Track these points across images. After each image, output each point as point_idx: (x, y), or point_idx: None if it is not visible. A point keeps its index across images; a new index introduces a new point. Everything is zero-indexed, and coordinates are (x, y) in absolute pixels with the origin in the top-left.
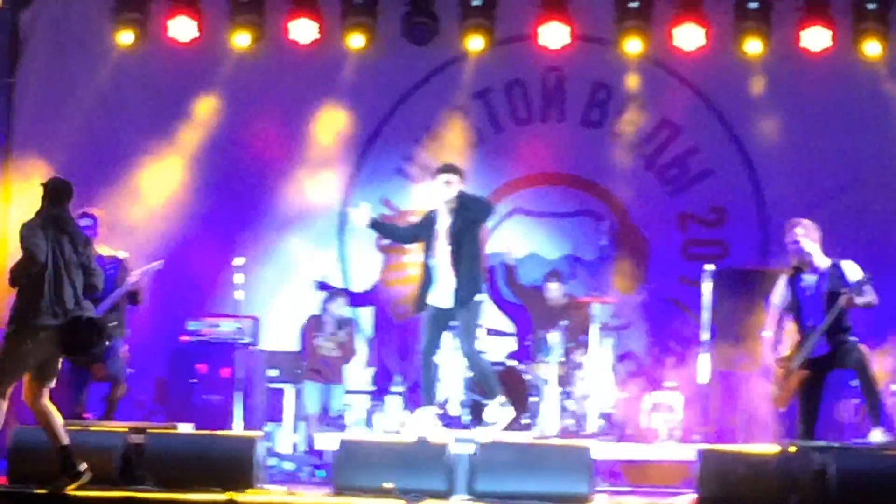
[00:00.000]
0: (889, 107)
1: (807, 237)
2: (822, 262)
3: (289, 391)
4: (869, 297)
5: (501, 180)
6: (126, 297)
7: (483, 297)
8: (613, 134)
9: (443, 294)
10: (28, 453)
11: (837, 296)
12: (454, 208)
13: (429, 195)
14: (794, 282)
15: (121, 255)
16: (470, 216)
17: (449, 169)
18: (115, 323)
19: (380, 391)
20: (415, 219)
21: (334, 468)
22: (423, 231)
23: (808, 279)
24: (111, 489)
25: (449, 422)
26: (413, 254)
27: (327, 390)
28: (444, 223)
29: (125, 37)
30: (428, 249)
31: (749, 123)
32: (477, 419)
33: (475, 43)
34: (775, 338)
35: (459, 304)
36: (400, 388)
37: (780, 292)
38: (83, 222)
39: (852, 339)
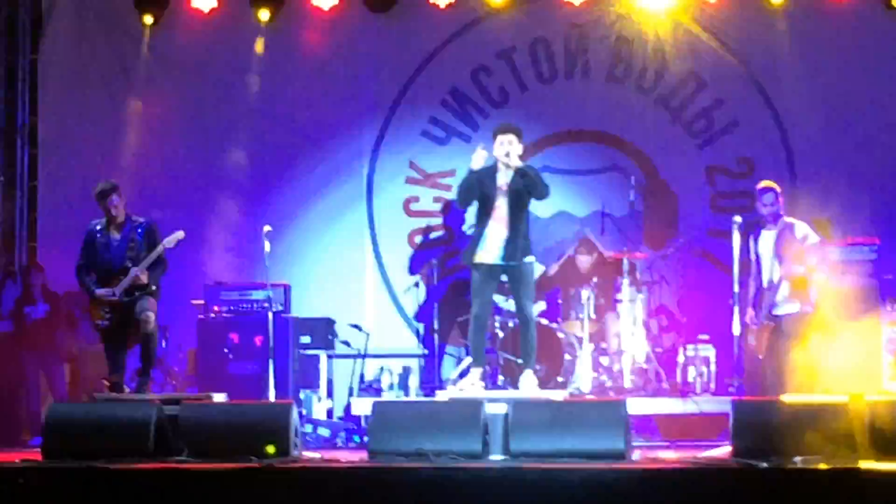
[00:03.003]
0: None
1: (775, 201)
2: (781, 221)
3: (323, 358)
4: (809, 264)
5: (528, 139)
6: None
7: (533, 259)
8: (639, 89)
9: (494, 251)
10: (63, 429)
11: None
12: (516, 170)
13: (489, 151)
14: (754, 238)
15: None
16: (528, 188)
17: (510, 129)
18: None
19: (430, 354)
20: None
21: (368, 432)
22: (483, 187)
23: (767, 235)
24: (146, 461)
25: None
26: (439, 217)
27: None
28: (503, 180)
29: (147, 9)
30: (483, 206)
31: (774, 74)
32: (510, 379)
33: (498, 2)
34: (752, 290)
35: (512, 259)
36: (453, 351)
37: (746, 249)
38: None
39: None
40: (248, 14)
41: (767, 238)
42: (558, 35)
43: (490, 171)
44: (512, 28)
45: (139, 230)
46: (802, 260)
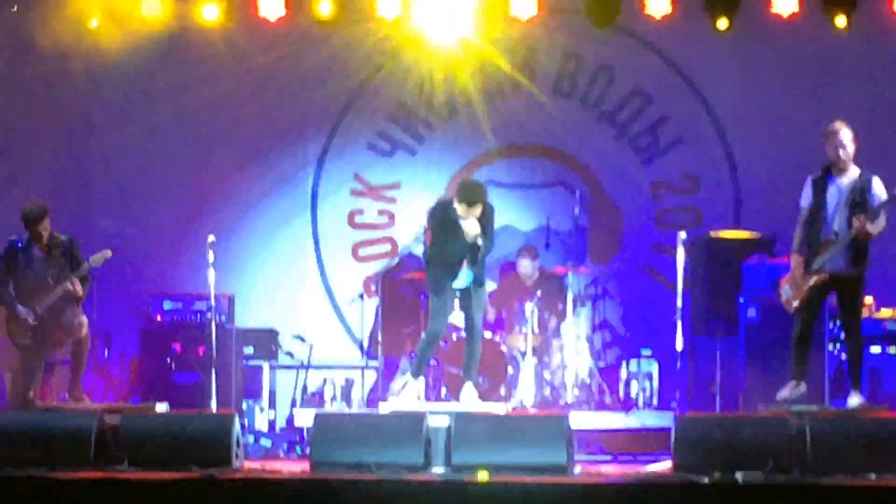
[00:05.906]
0: (858, 69)
1: (852, 142)
2: (854, 170)
3: (265, 368)
4: (880, 225)
5: (474, 153)
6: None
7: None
8: (584, 104)
9: (461, 280)
10: (2, 437)
11: (861, 207)
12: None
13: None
14: (821, 184)
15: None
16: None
17: (465, 199)
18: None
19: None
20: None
21: (310, 443)
22: (448, 232)
23: (838, 184)
24: (86, 470)
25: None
26: (383, 230)
27: None
28: (465, 231)
29: (94, 17)
30: (453, 240)
31: (719, 90)
32: (453, 392)
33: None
34: (802, 238)
35: (473, 282)
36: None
37: (806, 194)
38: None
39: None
40: (195, 23)
41: (841, 186)
42: (505, 50)
43: (447, 211)
44: (459, 42)
45: (61, 248)
46: (876, 220)
